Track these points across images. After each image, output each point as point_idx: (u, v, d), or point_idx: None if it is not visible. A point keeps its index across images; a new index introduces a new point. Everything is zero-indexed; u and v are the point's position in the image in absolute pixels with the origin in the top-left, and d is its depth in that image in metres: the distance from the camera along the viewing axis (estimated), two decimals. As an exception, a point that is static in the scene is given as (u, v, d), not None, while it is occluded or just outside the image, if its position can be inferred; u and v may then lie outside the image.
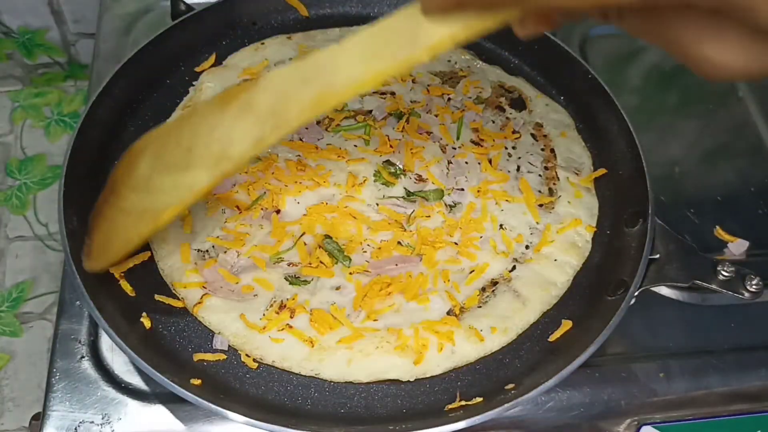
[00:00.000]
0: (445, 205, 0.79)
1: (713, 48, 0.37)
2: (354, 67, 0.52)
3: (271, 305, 0.71)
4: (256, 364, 0.68)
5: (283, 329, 0.69)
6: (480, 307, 0.73)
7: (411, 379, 0.68)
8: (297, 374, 0.68)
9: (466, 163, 0.83)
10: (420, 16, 0.46)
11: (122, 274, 0.71)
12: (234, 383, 0.67)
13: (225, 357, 0.68)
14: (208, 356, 0.68)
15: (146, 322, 0.69)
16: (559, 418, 0.72)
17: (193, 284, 0.71)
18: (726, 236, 0.86)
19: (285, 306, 0.71)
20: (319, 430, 0.61)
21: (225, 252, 0.73)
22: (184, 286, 0.71)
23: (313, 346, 0.68)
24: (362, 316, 0.70)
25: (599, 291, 0.75)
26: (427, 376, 0.69)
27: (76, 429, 0.67)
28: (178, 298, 0.71)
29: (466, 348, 0.70)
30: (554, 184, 0.83)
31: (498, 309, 0.73)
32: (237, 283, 0.72)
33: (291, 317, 0.70)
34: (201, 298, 0.70)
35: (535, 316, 0.73)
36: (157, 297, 0.71)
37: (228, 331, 0.69)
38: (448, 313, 0.72)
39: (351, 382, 0.68)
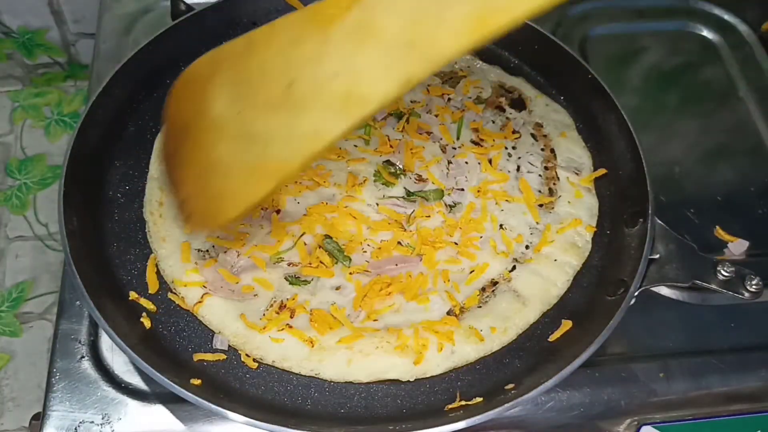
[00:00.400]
0: (445, 205, 0.79)
1: None
2: None
3: (271, 305, 0.71)
4: (256, 364, 0.68)
5: (283, 329, 0.69)
6: (480, 307, 0.73)
7: (411, 379, 0.68)
8: (297, 374, 0.68)
9: (466, 163, 0.83)
10: None
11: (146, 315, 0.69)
12: (234, 383, 0.67)
13: (225, 357, 0.68)
14: (208, 356, 0.68)
15: (146, 322, 0.69)
16: (559, 418, 0.72)
17: (193, 283, 0.71)
18: (726, 236, 0.86)
19: (285, 306, 0.71)
20: (319, 430, 0.61)
21: (225, 252, 0.73)
22: (184, 285, 0.71)
23: (313, 346, 0.68)
24: (362, 316, 0.70)
25: (599, 291, 0.75)
26: (427, 376, 0.69)
27: (76, 429, 0.67)
28: (179, 297, 0.71)
29: (465, 348, 0.70)
30: (554, 184, 0.83)
31: (498, 309, 0.73)
32: (237, 283, 0.72)
33: (291, 317, 0.70)
34: (201, 297, 0.70)
35: (535, 316, 0.73)
36: (169, 296, 0.71)
37: (228, 331, 0.69)
38: (448, 313, 0.72)
39: (351, 382, 0.68)
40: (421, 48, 0.44)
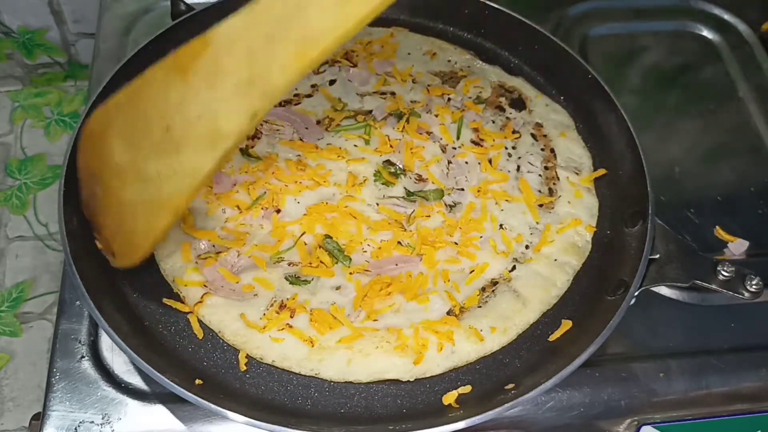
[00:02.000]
0: (445, 205, 0.79)
1: None
2: (329, 12, 0.48)
3: (272, 305, 0.71)
4: (246, 368, 0.68)
5: (283, 329, 0.69)
6: (480, 307, 0.73)
7: (411, 379, 0.68)
8: (297, 374, 0.68)
9: (466, 163, 0.83)
10: None
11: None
12: (234, 383, 0.67)
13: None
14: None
15: (146, 322, 0.69)
16: (559, 418, 0.72)
17: (194, 283, 0.71)
18: (726, 236, 0.86)
19: (285, 306, 0.71)
20: (319, 430, 0.61)
21: (226, 251, 0.73)
22: (185, 285, 0.71)
23: (313, 346, 0.68)
24: (362, 316, 0.70)
25: (599, 291, 0.75)
26: (427, 375, 0.69)
27: (76, 429, 0.67)
28: (180, 298, 0.71)
29: (466, 348, 0.70)
30: (554, 184, 0.83)
31: (498, 309, 0.73)
32: (237, 282, 0.72)
33: (291, 317, 0.70)
34: (202, 297, 0.70)
35: (535, 316, 0.73)
36: (165, 300, 0.71)
37: (228, 331, 0.69)
38: (448, 313, 0.72)
39: (351, 382, 0.68)
40: (260, 83, 0.51)
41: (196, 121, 0.54)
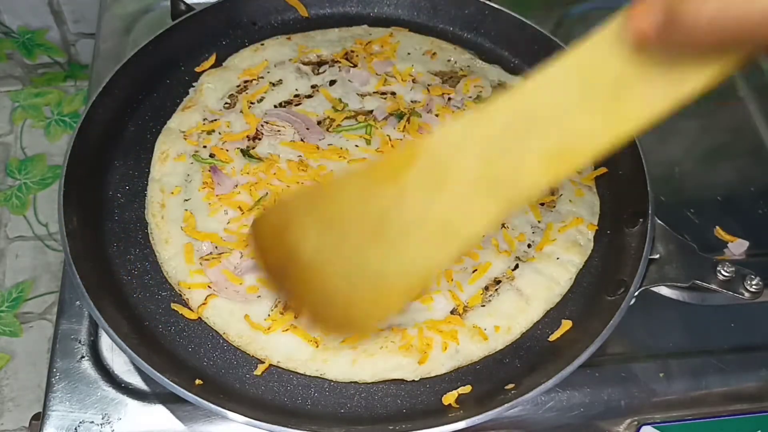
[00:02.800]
0: (446, 205, 0.79)
1: None
2: (594, 119, 0.41)
3: (276, 306, 0.71)
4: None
5: (287, 330, 0.69)
6: (483, 306, 0.73)
7: (416, 379, 0.68)
8: (299, 374, 0.68)
9: (467, 163, 0.83)
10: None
11: None
12: (234, 383, 0.67)
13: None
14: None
15: (146, 322, 0.69)
16: (559, 418, 0.72)
17: (197, 285, 0.71)
18: (726, 236, 0.86)
19: (289, 306, 0.71)
20: (319, 430, 0.61)
21: (228, 252, 0.73)
22: (188, 287, 0.71)
23: (317, 347, 0.68)
24: (364, 315, 0.70)
25: (599, 291, 0.75)
26: (431, 375, 0.69)
27: (76, 429, 0.67)
28: (183, 301, 0.71)
29: (470, 347, 0.70)
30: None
31: (501, 308, 0.73)
32: (241, 284, 0.71)
33: (296, 317, 0.70)
34: (205, 299, 0.70)
35: (538, 315, 0.73)
36: (173, 306, 0.71)
37: (233, 332, 0.69)
38: (451, 313, 0.72)
39: (356, 382, 0.68)
40: (504, 186, 0.44)
41: (421, 219, 0.49)
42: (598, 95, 0.41)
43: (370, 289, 0.54)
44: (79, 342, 0.72)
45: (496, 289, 0.74)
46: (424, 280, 0.53)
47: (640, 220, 0.76)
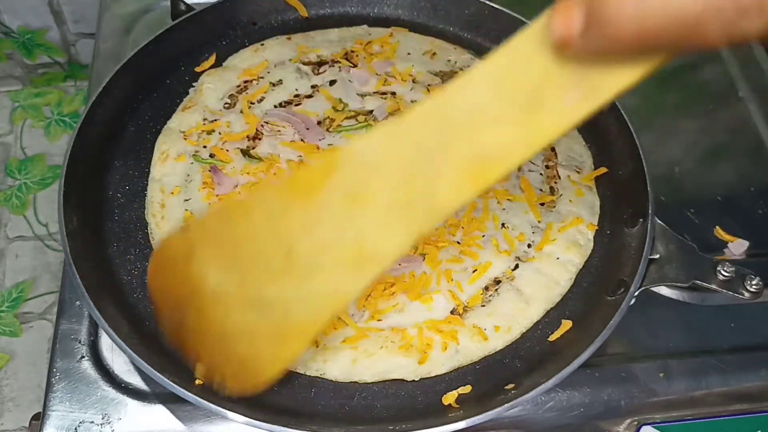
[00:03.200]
0: (446, 205, 0.79)
1: None
2: (511, 126, 0.39)
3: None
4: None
5: (285, 329, 0.69)
6: (483, 306, 0.73)
7: (416, 379, 0.68)
8: (301, 374, 0.68)
9: (467, 163, 0.83)
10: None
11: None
12: (234, 383, 0.67)
13: None
14: None
15: (147, 322, 0.69)
16: (559, 418, 0.72)
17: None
18: (726, 236, 0.86)
19: (286, 306, 0.71)
20: (319, 430, 0.61)
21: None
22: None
23: (318, 347, 0.68)
24: (366, 315, 0.70)
25: (599, 291, 0.75)
26: (432, 375, 0.69)
27: (76, 429, 0.67)
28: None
29: (470, 347, 0.70)
30: (555, 182, 0.83)
31: (502, 308, 0.73)
32: (237, 283, 0.71)
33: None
34: (202, 298, 0.70)
35: (538, 315, 0.73)
36: None
37: (229, 332, 0.69)
38: (452, 313, 0.72)
39: (356, 382, 0.68)
40: (422, 201, 0.43)
41: (334, 244, 0.46)
42: (515, 103, 0.39)
43: (275, 327, 0.50)
44: (79, 342, 0.72)
45: (496, 289, 0.74)
46: (333, 313, 0.50)
47: (640, 220, 0.76)
